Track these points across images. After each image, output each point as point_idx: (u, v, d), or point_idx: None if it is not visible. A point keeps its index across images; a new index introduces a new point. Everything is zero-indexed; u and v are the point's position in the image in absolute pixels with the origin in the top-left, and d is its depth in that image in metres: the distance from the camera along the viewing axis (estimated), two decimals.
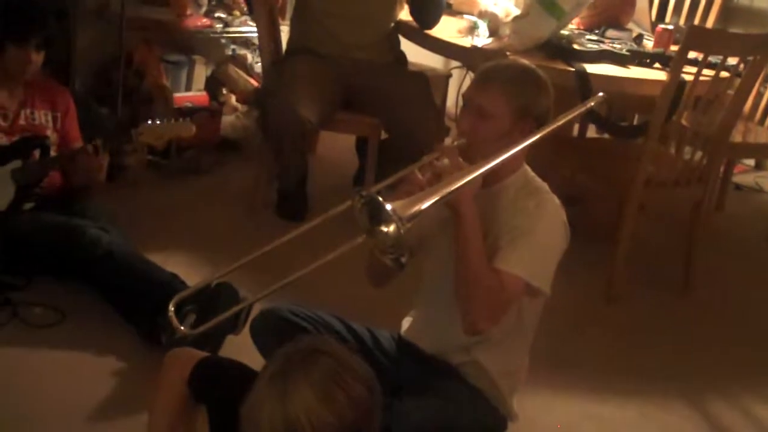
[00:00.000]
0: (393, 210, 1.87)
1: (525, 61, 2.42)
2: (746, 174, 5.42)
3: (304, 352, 1.66)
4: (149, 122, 3.23)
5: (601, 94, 2.55)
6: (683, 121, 3.59)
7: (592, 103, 2.51)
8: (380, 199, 1.90)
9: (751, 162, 5.54)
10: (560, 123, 2.29)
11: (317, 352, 1.66)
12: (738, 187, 5.16)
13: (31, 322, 2.96)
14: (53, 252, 3.10)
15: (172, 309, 2.23)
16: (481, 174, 2.08)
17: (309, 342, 1.72)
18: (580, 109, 2.45)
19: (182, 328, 2.32)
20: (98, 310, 3.04)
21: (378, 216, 1.92)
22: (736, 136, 4.17)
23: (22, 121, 3.33)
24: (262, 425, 1.61)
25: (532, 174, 2.30)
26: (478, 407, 2.30)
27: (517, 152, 2.18)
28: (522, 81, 2.24)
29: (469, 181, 2.04)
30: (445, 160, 2.13)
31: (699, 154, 3.66)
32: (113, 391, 2.68)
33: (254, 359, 2.29)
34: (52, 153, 3.32)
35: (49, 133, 3.36)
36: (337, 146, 4.69)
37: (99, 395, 2.65)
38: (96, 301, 3.07)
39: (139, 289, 2.94)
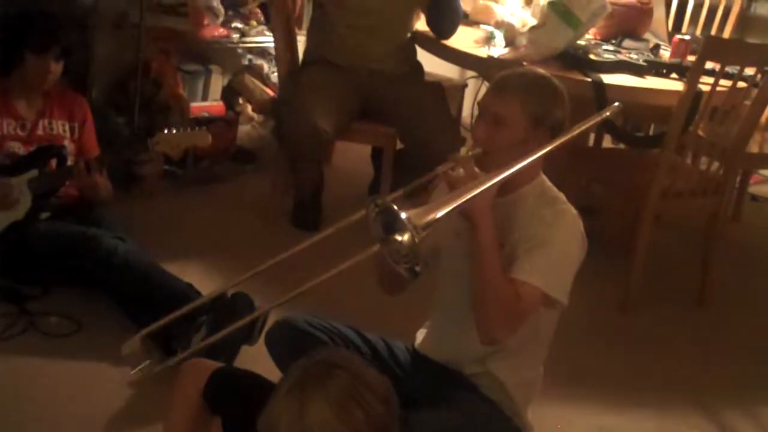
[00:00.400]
0: (408, 218, 1.87)
1: (541, 70, 2.42)
2: (763, 184, 5.39)
3: (321, 366, 1.65)
4: (165, 131, 3.24)
5: (617, 104, 2.54)
6: (700, 132, 3.58)
7: (608, 113, 2.50)
8: (395, 207, 1.89)
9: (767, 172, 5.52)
10: (576, 132, 2.28)
11: (335, 366, 1.65)
12: (754, 197, 5.13)
13: (47, 331, 2.97)
14: (70, 261, 3.11)
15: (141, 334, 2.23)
16: (496, 183, 2.07)
17: (326, 355, 1.71)
18: (596, 119, 2.44)
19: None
20: (114, 319, 3.05)
21: (393, 225, 1.91)
22: (753, 147, 4.15)
23: (40, 132, 3.35)
24: None
25: (549, 184, 2.30)
26: (493, 419, 2.29)
27: (533, 161, 2.17)
28: (537, 89, 2.23)
29: (484, 190, 2.04)
30: (461, 170, 2.13)
31: (715, 165, 3.65)
32: (129, 401, 2.69)
33: (269, 370, 2.30)
34: (70, 162, 3.34)
35: (66, 143, 3.38)
36: (352, 156, 4.69)
37: (115, 405, 2.65)
38: (111, 311, 3.08)
39: (154, 299, 2.94)
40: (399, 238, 1.91)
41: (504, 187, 2.15)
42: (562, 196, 2.28)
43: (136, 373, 2.66)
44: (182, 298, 2.84)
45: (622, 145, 4.59)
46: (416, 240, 1.87)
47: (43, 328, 2.99)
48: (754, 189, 5.16)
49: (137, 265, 3.08)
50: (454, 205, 1.99)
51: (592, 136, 4.62)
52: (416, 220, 1.88)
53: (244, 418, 2.05)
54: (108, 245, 3.09)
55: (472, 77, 5.08)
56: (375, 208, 1.94)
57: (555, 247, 2.14)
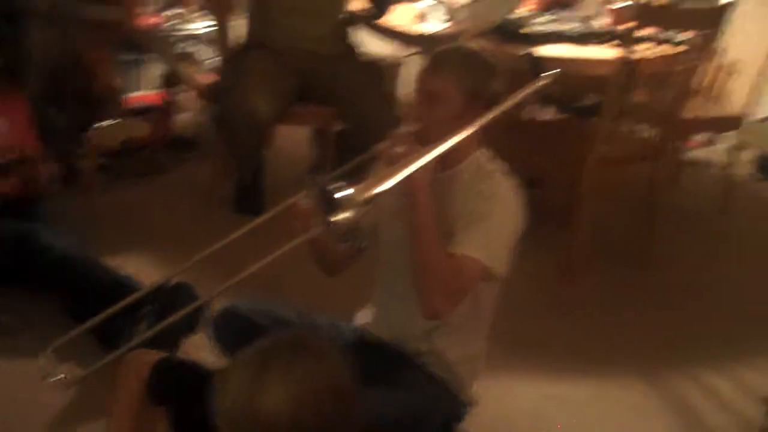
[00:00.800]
0: (348, 195, 1.87)
1: (473, 46, 2.43)
2: (700, 149, 5.46)
3: (289, 346, 1.59)
4: (101, 124, 3.20)
5: (551, 72, 2.55)
6: (636, 99, 3.61)
7: (541, 82, 2.51)
8: (334, 185, 1.89)
9: (704, 136, 5.58)
10: (510, 104, 2.29)
11: (302, 348, 1.59)
12: (691, 162, 5.20)
13: None
14: (6, 260, 3.07)
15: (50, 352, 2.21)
16: (434, 157, 2.08)
17: (296, 337, 1.65)
18: (530, 89, 2.45)
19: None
20: (52, 317, 3.01)
21: (332, 202, 1.91)
22: (689, 112, 4.20)
23: None
24: (224, 406, 1.55)
25: (488, 156, 2.31)
26: (438, 395, 2.31)
27: (469, 136, 2.19)
28: (471, 65, 2.25)
29: (423, 166, 2.05)
30: (400, 148, 2.13)
31: (652, 131, 3.69)
32: (72, 397, 2.66)
33: (212, 358, 2.29)
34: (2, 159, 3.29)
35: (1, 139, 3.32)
36: (292, 139, 4.67)
37: (57, 403, 2.63)
38: (50, 309, 3.04)
39: (95, 293, 2.91)
40: (339, 215, 1.91)
41: (442, 162, 2.16)
42: (501, 166, 2.29)
43: (56, 381, 2.59)
44: (123, 291, 2.80)
45: (561, 116, 4.62)
46: (357, 216, 1.87)
47: None
48: (690, 153, 5.23)
49: (76, 260, 3.04)
50: (394, 179, 1.99)
51: (530, 109, 4.64)
52: (356, 197, 1.88)
53: (188, 408, 2.05)
54: (45, 240, 3.05)
55: (411, 54, 5.06)
56: (314, 188, 1.94)
57: (493, 219, 2.16)
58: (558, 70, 2.56)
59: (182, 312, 2.41)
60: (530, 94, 2.43)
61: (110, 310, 2.44)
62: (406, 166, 2.03)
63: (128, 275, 3.02)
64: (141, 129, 3.30)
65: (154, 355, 2.20)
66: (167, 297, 2.80)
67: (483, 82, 2.24)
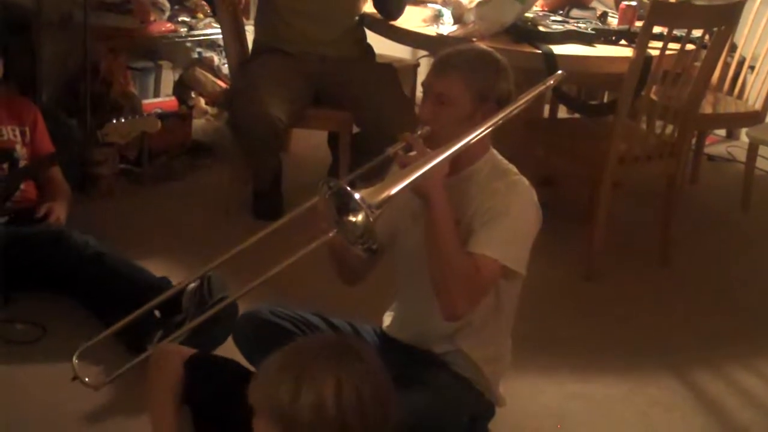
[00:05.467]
0: (361, 198, 1.87)
1: (482, 45, 2.43)
2: (718, 144, 5.45)
3: (333, 347, 1.61)
4: (114, 121, 3.23)
5: (559, 72, 2.54)
6: (652, 96, 3.61)
7: (551, 81, 2.50)
8: (347, 188, 1.89)
9: (723, 132, 5.57)
10: (521, 103, 2.29)
11: (345, 350, 1.61)
12: (711, 158, 5.19)
13: (13, 339, 2.94)
14: (37, 261, 3.06)
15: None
16: (447, 158, 2.07)
17: (339, 339, 1.69)
18: (539, 88, 2.43)
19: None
20: (79, 323, 3.02)
21: (346, 205, 1.91)
22: (706, 108, 4.19)
23: None
24: (267, 403, 1.56)
25: (500, 157, 2.31)
26: (465, 395, 2.30)
27: (482, 137, 2.18)
28: (479, 65, 2.24)
29: (436, 166, 2.04)
30: (411, 150, 2.13)
31: (670, 128, 3.68)
32: (99, 401, 2.66)
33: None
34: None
35: (18, 147, 3.35)
36: (310, 143, 4.68)
37: (85, 407, 2.62)
38: (76, 314, 3.05)
39: (127, 293, 2.89)
40: (353, 218, 1.91)
41: (455, 164, 2.16)
42: (513, 167, 2.29)
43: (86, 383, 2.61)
44: (156, 292, 2.77)
45: (577, 115, 4.61)
46: (371, 219, 1.87)
47: (9, 336, 2.95)
48: (709, 149, 5.21)
49: (109, 259, 3.05)
50: (407, 181, 1.99)
51: (547, 108, 4.64)
52: (370, 199, 1.88)
53: (218, 404, 2.05)
54: (78, 240, 3.07)
55: (424, 56, 5.07)
56: (328, 190, 1.94)
57: (510, 218, 2.16)
58: (561, 72, 2.55)
59: (207, 314, 2.42)
60: (539, 94, 2.41)
61: (143, 309, 2.44)
62: (417, 168, 2.02)
63: (163, 276, 3.01)
64: (153, 125, 3.30)
65: (182, 350, 2.19)
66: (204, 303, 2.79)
67: (491, 82, 2.23)
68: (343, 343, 1.65)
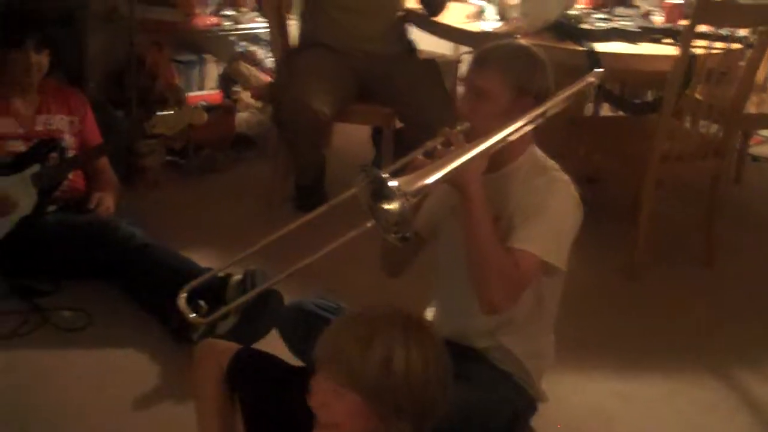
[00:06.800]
0: (397, 186, 1.86)
1: (521, 41, 2.42)
2: (763, 145, 5.41)
3: (404, 317, 1.65)
4: (161, 113, 3.26)
5: (598, 70, 2.53)
6: (697, 95, 3.59)
7: (592, 79, 2.49)
8: (384, 175, 1.89)
9: (767, 133, 5.52)
10: (559, 99, 2.26)
11: (415, 321, 1.66)
12: (755, 158, 5.15)
13: (61, 326, 2.99)
14: (85, 250, 3.13)
15: (184, 296, 2.23)
16: (485, 152, 2.06)
17: (410, 313, 1.71)
18: (579, 86, 2.42)
19: (193, 315, 2.31)
20: (125, 311, 3.08)
21: (381, 192, 1.91)
22: (751, 108, 4.16)
23: (39, 127, 3.38)
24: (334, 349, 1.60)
25: (541, 154, 2.30)
26: (507, 390, 2.31)
27: (523, 134, 2.18)
28: (517, 60, 2.23)
29: (473, 160, 2.03)
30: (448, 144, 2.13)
31: (714, 127, 3.66)
32: (146, 388, 2.71)
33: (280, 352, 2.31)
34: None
35: (66, 136, 3.40)
36: (352, 138, 4.70)
37: (131, 393, 2.67)
38: (122, 302, 3.11)
39: (172, 284, 2.92)
40: (388, 205, 1.91)
41: (496, 161, 2.15)
42: (554, 164, 2.28)
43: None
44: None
45: (620, 113, 4.60)
46: (405, 207, 1.87)
47: (58, 322, 3.00)
48: (754, 150, 5.17)
49: (155, 250, 3.10)
50: (443, 171, 1.97)
51: (590, 106, 4.63)
52: (405, 187, 1.87)
53: (265, 398, 2.07)
54: (126, 230, 3.12)
55: (467, 52, 5.07)
56: (364, 177, 1.94)
57: (550, 214, 2.15)
58: (602, 69, 2.54)
59: (243, 299, 2.44)
60: (578, 92, 2.40)
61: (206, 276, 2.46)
62: (454, 159, 2.02)
63: (208, 267, 3.04)
64: (200, 116, 3.33)
65: (228, 346, 2.20)
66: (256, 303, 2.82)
67: (529, 77, 2.22)
68: (415, 317, 1.68)
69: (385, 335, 1.57)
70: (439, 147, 2.12)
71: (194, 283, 2.35)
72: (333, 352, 1.59)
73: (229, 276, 2.92)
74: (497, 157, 2.15)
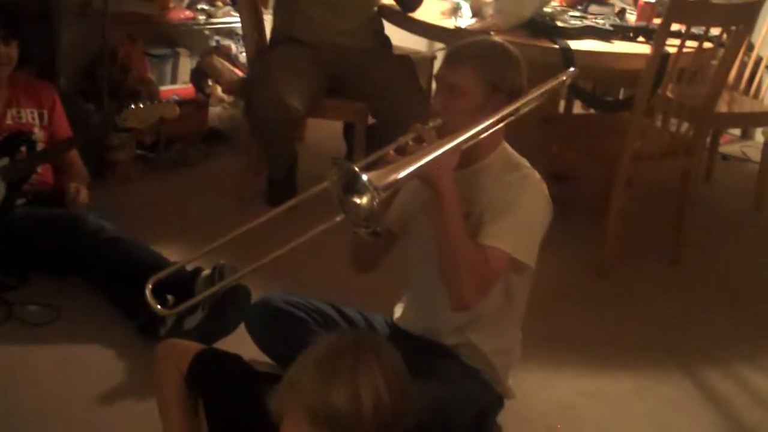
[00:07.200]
0: (368, 180, 1.87)
1: (495, 38, 2.42)
2: (733, 144, 5.44)
3: (352, 345, 1.64)
4: (133, 106, 3.25)
5: (572, 69, 2.54)
6: (668, 94, 3.61)
7: (563, 77, 2.50)
8: (355, 168, 1.89)
9: (738, 131, 5.56)
10: (531, 97, 2.29)
11: (363, 347, 1.64)
12: (725, 157, 5.18)
13: (27, 320, 2.96)
14: (53, 244, 3.10)
15: (150, 287, 2.23)
16: (456, 148, 2.07)
17: (357, 337, 1.70)
18: (551, 83, 2.43)
19: (159, 307, 2.31)
20: (93, 306, 3.05)
21: (352, 186, 1.91)
22: (722, 107, 4.18)
23: (8, 121, 3.34)
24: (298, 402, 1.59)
25: (512, 151, 2.32)
26: (474, 386, 2.32)
27: (494, 131, 2.19)
28: (491, 56, 2.25)
29: (445, 155, 2.04)
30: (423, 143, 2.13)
31: (685, 126, 3.68)
32: (112, 384, 2.69)
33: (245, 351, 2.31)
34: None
35: (36, 130, 3.37)
36: (325, 133, 4.69)
37: (97, 390, 2.65)
38: (90, 297, 3.08)
39: (142, 277, 2.90)
40: (358, 199, 1.91)
41: (467, 157, 2.16)
42: (525, 161, 2.30)
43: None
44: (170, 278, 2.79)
45: (592, 111, 4.61)
46: (376, 201, 1.87)
47: (24, 317, 2.98)
48: (724, 148, 5.21)
49: (125, 243, 3.07)
50: (414, 167, 1.98)
51: (562, 103, 4.64)
52: (376, 181, 1.88)
53: (227, 401, 2.06)
54: (94, 223, 3.10)
55: (441, 49, 5.07)
56: (337, 171, 1.94)
57: (520, 211, 2.17)
58: (574, 68, 2.55)
59: (209, 291, 2.44)
60: (551, 90, 2.41)
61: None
62: (425, 154, 2.02)
63: (176, 262, 3.02)
64: (171, 110, 3.31)
65: (190, 346, 2.20)
66: (222, 296, 2.81)
67: (503, 74, 2.23)
68: (367, 340, 1.67)
69: (347, 370, 1.57)
70: (410, 143, 2.13)
71: (162, 274, 2.34)
72: (297, 399, 1.59)
73: (198, 271, 2.91)
74: (469, 154, 2.16)
